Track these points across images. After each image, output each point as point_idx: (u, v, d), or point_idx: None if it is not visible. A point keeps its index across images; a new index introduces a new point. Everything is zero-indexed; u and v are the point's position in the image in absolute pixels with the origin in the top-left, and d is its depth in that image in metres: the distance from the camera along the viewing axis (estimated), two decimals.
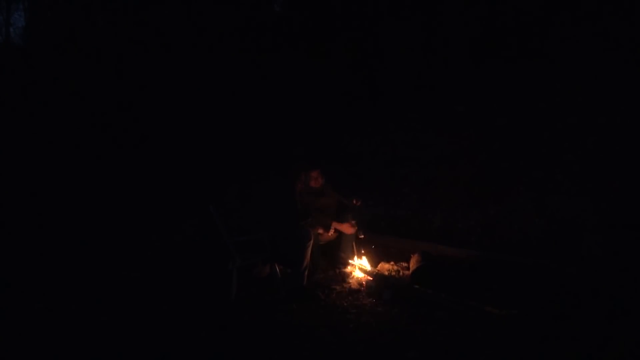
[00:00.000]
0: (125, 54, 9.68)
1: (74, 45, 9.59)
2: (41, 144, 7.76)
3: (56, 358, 2.76)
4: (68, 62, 9.48)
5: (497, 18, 6.85)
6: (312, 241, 3.84)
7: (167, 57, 9.34)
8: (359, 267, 4.37)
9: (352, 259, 4.44)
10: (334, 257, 4.50)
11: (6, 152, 7.28)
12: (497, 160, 5.48)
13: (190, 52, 9.33)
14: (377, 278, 4.12)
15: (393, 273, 4.37)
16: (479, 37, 6.94)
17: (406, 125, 6.61)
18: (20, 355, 2.79)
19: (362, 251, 4.49)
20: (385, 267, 4.46)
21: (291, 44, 8.80)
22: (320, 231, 4.35)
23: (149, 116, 8.67)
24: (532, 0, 6.58)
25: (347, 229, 4.36)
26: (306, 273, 3.81)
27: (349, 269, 4.39)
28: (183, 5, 9.06)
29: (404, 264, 4.49)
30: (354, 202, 4.51)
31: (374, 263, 4.50)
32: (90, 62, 9.39)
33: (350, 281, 4.16)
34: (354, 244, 4.48)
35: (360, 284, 4.10)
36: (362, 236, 4.51)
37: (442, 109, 6.49)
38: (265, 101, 8.20)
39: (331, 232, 4.42)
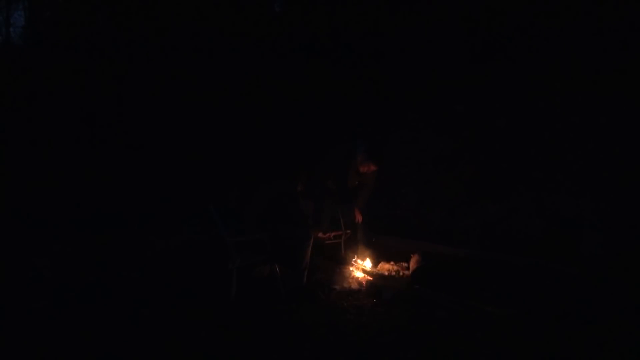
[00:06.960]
0: (125, 53, 9.67)
1: (74, 45, 9.58)
2: (41, 144, 7.75)
3: (56, 358, 2.76)
4: (68, 62, 9.47)
5: (497, 17, 6.85)
6: (312, 241, 3.85)
7: (169, 57, 9.34)
8: (359, 267, 4.37)
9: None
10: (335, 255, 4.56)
11: (6, 152, 7.28)
12: (497, 160, 5.48)
13: (191, 52, 9.33)
14: (377, 278, 4.12)
15: (393, 273, 4.37)
16: (478, 36, 6.94)
17: (406, 125, 6.61)
18: (20, 356, 2.79)
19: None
20: (385, 267, 4.46)
21: (291, 44, 8.80)
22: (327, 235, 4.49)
23: (150, 116, 8.67)
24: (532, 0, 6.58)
25: (359, 216, 4.68)
26: (306, 273, 3.81)
27: (349, 269, 4.40)
28: (184, 5, 9.04)
29: (404, 264, 4.49)
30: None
31: (374, 263, 4.51)
32: (91, 62, 9.38)
33: (350, 281, 4.16)
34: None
35: (360, 284, 4.10)
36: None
37: (442, 109, 6.49)
38: (266, 101, 8.20)
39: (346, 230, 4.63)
